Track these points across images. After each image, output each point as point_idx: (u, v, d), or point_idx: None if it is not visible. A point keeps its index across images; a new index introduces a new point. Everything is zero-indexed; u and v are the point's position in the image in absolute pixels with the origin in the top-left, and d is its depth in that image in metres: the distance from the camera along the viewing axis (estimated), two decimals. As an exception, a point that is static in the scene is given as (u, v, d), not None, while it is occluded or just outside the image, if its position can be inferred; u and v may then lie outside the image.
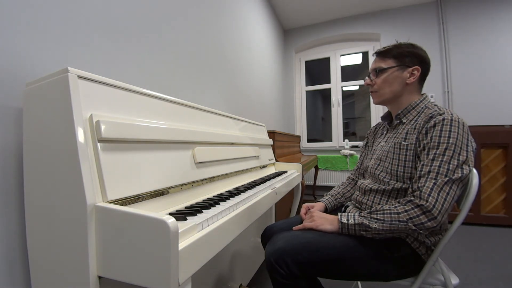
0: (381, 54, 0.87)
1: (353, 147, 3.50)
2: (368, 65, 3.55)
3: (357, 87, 3.84)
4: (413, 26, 3.11)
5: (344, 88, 3.71)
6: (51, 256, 0.50)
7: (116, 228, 0.43)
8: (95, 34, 0.87)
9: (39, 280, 0.53)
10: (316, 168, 3.41)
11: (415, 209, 0.66)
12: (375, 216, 0.70)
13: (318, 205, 0.98)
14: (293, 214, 1.78)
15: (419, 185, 0.68)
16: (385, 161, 0.82)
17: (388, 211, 0.69)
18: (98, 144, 0.49)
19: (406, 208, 0.67)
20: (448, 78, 2.93)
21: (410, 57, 0.83)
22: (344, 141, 3.57)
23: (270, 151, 1.64)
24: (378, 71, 0.86)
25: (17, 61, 0.64)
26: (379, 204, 0.81)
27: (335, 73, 3.67)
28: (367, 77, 0.91)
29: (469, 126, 0.75)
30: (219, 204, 0.69)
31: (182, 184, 0.71)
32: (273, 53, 3.20)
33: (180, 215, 0.54)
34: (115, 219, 0.44)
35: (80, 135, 0.47)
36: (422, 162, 0.71)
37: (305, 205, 0.98)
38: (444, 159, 0.67)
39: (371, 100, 3.42)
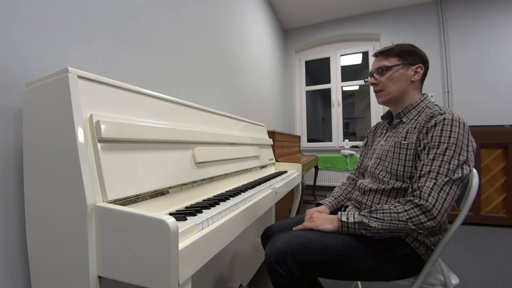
0: (384, 53, 0.87)
1: (353, 147, 3.50)
2: (368, 65, 3.55)
3: (357, 87, 3.84)
4: (413, 26, 3.11)
5: (344, 88, 3.71)
6: (51, 256, 0.50)
7: (116, 228, 0.43)
8: (95, 34, 0.87)
9: (39, 280, 0.53)
10: (316, 168, 3.41)
11: (415, 209, 0.66)
12: (375, 215, 0.70)
13: (321, 209, 0.97)
14: (293, 214, 1.78)
15: (419, 184, 0.68)
16: (385, 160, 0.82)
17: (388, 211, 0.69)
18: (98, 144, 0.49)
19: (406, 208, 0.67)
20: (448, 78, 2.93)
21: (413, 56, 0.83)
22: (344, 141, 3.57)
23: (270, 151, 1.64)
24: (384, 69, 0.85)
25: (17, 61, 0.64)
26: (378, 204, 0.81)
27: (335, 73, 3.67)
28: (369, 77, 0.91)
29: (469, 126, 0.75)
30: (219, 204, 0.69)
31: (182, 184, 0.71)
32: (273, 53, 3.20)
33: (180, 215, 0.54)
34: (115, 219, 0.43)
35: (80, 135, 0.47)
36: (422, 162, 0.71)
37: (310, 210, 0.93)
38: (445, 159, 0.67)
39: (371, 100, 3.47)
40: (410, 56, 0.83)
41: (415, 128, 0.78)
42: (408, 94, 0.85)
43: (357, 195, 0.90)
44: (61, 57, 0.75)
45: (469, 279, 1.42)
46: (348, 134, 3.90)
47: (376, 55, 0.90)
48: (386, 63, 0.85)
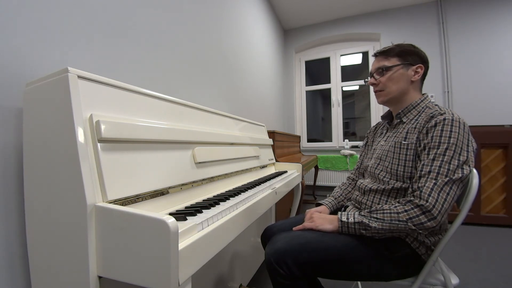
0: (384, 53, 0.87)
1: (353, 147, 3.50)
2: (368, 65, 3.55)
3: (357, 87, 3.84)
4: (413, 26, 3.11)
5: (344, 88, 3.71)
6: (51, 256, 0.50)
7: (116, 228, 0.43)
8: (95, 34, 0.87)
9: (39, 280, 0.53)
10: (316, 168, 3.41)
11: (415, 209, 0.66)
12: (375, 215, 0.71)
13: (321, 209, 0.97)
14: (293, 214, 1.78)
15: (419, 185, 0.68)
16: (385, 161, 0.82)
17: (388, 211, 0.69)
18: (98, 144, 0.49)
19: (406, 208, 0.67)
20: (448, 78, 2.93)
21: (413, 56, 0.83)
22: (344, 141, 3.57)
23: (270, 151, 1.64)
24: (383, 70, 0.85)
25: (17, 61, 0.64)
26: (378, 204, 0.81)
27: (335, 73, 3.67)
28: (369, 77, 0.91)
29: (469, 126, 0.75)
30: (219, 204, 0.69)
31: (182, 184, 0.71)
32: (273, 53, 3.19)
33: (180, 215, 0.54)
34: (115, 219, 0.43)
35: (80, 135, 0.47)
36: (422, 162, 0.71)
37: (310, 210, 0.93)
38: (445, 159, 0.67)
39: (371, 100, 3.48)
40: (410, 56, 0.83)
41: (415, 128, 0.78)
42: (408, 94, 0.85)
43: (357, 195, 0.90)
44: (61, 57, 0.75)
45: (469, 279, 1.42)
46: (348, 134, 3.90)
47: (376, 55, 0.90)
48: (386, 63, 0.85)
